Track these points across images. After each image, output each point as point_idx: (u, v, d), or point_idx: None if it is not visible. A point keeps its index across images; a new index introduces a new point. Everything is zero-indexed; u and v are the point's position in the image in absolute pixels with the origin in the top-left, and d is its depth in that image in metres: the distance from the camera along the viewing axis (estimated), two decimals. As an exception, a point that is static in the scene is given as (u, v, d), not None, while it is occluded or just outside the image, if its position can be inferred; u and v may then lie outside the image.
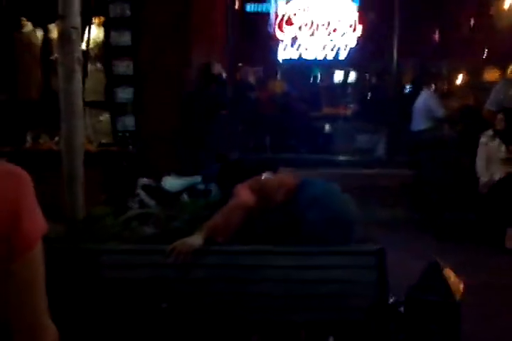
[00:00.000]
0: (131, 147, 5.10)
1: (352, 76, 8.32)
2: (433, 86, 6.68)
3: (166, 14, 5.17)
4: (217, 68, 5.21)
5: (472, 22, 9.32)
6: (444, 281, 2.07)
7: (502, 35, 8.40)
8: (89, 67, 5.30)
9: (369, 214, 5.07)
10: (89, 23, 5.21)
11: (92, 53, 5.35)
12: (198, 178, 3.57)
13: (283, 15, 6.36)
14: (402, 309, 2.04)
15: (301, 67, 7.18)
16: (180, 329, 2.38)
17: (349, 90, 8.22)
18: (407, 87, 7.00)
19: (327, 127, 6.95)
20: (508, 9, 8.18)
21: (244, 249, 2.53)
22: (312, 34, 6.35)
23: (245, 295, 2.48)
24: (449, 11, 8.58)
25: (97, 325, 2.44)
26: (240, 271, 2.51)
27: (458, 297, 2.04)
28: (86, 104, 5.24)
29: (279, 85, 7.62)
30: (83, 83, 3.13)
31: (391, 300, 2.19)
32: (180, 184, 3.51)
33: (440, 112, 6.17)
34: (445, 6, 8.01)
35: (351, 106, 7.57)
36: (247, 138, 6.26)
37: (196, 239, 2.48)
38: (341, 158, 6.42)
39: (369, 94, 7.31)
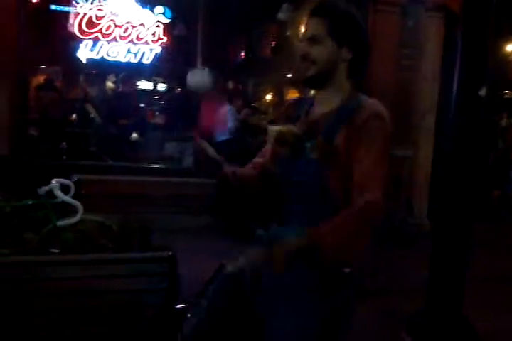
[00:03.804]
0: None
1: (159, 84, 8.30)
2: (235, 101, 6.90)
3: None
4: None
5: (273, 43, 9.93)
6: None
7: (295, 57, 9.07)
8: None
9: (175, 221, 5.09)
10: None
11: None
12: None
13: (84, 16, 6.09)
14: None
15: (103, 70, 6.94)
16: None
17: (157, 97, 8.17)
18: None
19: (134, 134, 6.78)
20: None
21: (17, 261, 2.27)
22: (114, 38, 6.21)
23: (29, 312, 2.22)
24: (254, 32, 9.03)
25: None
26: (17, 286, 2.25)
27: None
28: None
29: (81, 89, 7.31)
30: None
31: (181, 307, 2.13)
32: None
33: (231, 124, 6.41)
34: (249, 28, 8.40)
35: (158, 113, 7.52)
36: (39, 142, 5.84)
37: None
38: (149, 165, 6.31)
39: (176, 102, 7.29)
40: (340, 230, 1.54)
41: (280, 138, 1.71)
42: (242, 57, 9.63)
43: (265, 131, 1.74)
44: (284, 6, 7.85)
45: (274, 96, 10.12)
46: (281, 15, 8.16)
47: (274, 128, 1.73)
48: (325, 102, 1.76)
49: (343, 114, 1.68)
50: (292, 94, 8.45)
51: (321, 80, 1.74)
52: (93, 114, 6.51)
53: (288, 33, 9.28)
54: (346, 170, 1.62)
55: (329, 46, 1.70)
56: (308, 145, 1.67)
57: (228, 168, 1.86)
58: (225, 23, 7.40)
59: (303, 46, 1.72)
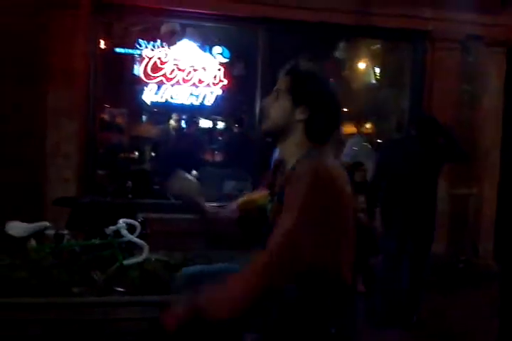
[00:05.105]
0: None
1: (219, 123, 8.48)
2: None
3: (22, 49, 4.98)
4: None
5: (330, 81, 10.02)
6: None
7: (356, 94, 9.14)
8: None
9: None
10: None
11: None
12: (46, 223, 3.34)
13: (149, 61, 6.37)
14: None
15: (167, 112, 7.19)
16: None
17: (216, 137, 8.34)
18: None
19: (194, 172, 6.94)
20: (360, 71, 8.96)
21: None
22: (177, 82, 6.45)
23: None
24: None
25: None
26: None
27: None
28: None
29: (147, 129, 7.59)
30: None
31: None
32: (27, 229, 3.27)
33: None
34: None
35: (217, 152, 7.67)
36: (106, 181, 6.06)
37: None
38: (209, 204, 6.35)
39: (236, 142, 7.43)
40: (221, 290, 1.56)
41: (242, 210, 1.94)
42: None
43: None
44: (341, 44, 7.96)
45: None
46: (338, 54, 8.25)
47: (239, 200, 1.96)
48: (289, 160, 1.75)
49: (289, 174, 1.67)
50: (349, 129, 8.45)
51: (278, 135, 1.75)
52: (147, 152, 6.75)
53: (344, 71, 9.35)
54: None
55: (285, 103, 1.73)
56: (269, 207, 1.74)
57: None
58: (283, 62, 7.55)
59: (266, 100, 1.80)
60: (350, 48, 8.53)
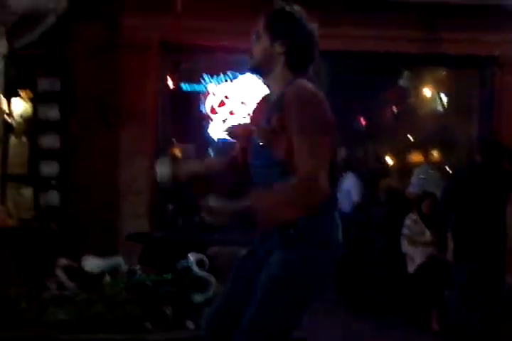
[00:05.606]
0: (53, 224, 4.90)
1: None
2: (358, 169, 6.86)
3: (96, 90, 5.23)
4: None
5: (395, 109, 9.93)
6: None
7: (423, 122, 8.99)
8: (14, 140, 5.24)
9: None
10: (15, 96, 5.20)
11: (18, 127, 5.28)
12: (119, 259, 3.44)
13: (214, 96, 6.54)
14: None
15: (233, 146, 7.30)
16: None
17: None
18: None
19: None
20: (426, 99, 8.83)
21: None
22: (243, 117, 6.56)
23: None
24: (373, 98, 9.12)
25: None
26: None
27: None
28: (8, 177, 5.12)
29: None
30: (5, 156, 3.02)
31: None
32: (102, 265, 3.38)
33: (356, 197, 6.24)
34: (369, 95, 8.50)
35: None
36: (175, 216, 6.19)
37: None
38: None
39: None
40: (271, 197, 1.77)
41: (230, 134, 1.98)
42: (363, 123, 9.69)
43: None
44: (406, 73, 7.90)
45: (396, 161, 9.98)
46: (402, 82, 8.19)
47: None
48: (273, 91, 1.95)
49: (278, 101, 1.87)
50: (416, 158, 8.29)
51: (263, 70, 1.96)
52: None
53: (410, 99, 9.24)
54: (290, 148, 1.78)
55: (264, 41, 1.92)
56: (256, 133, 1.91)
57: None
58: (347, 93, 7.55)
59: (251, 42, 1.98)
60: (416, 76, 8.44)
